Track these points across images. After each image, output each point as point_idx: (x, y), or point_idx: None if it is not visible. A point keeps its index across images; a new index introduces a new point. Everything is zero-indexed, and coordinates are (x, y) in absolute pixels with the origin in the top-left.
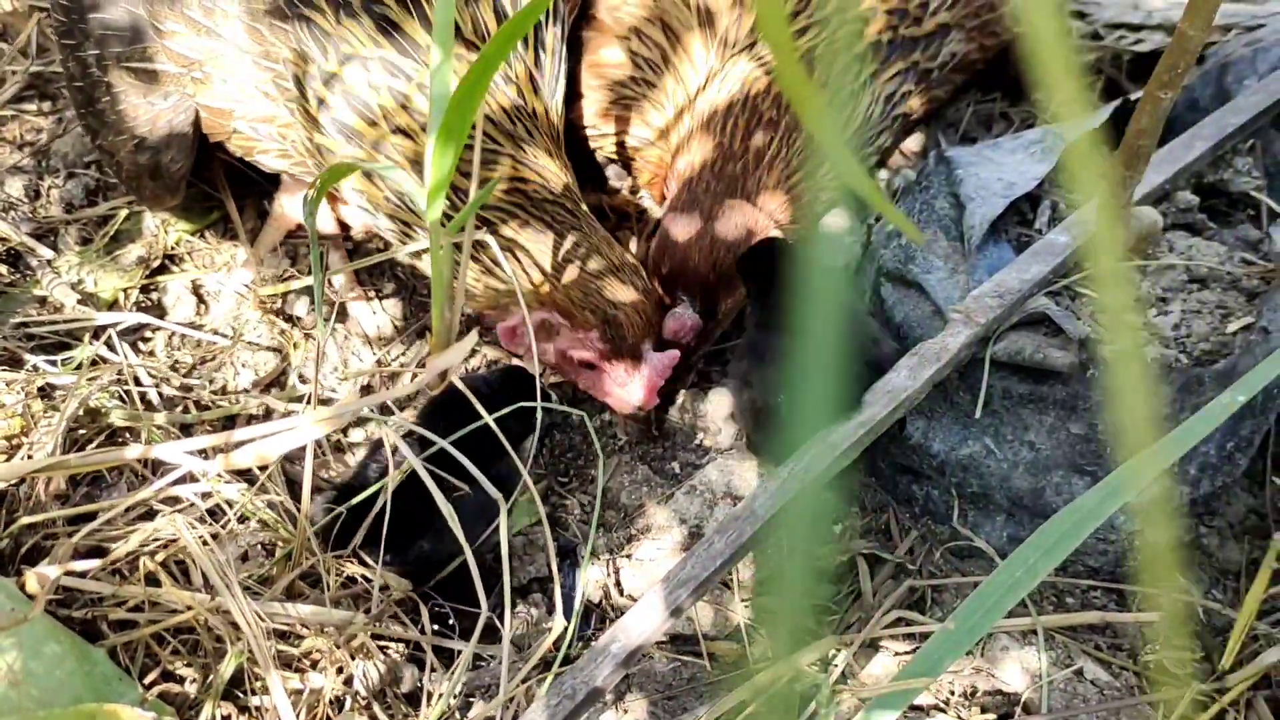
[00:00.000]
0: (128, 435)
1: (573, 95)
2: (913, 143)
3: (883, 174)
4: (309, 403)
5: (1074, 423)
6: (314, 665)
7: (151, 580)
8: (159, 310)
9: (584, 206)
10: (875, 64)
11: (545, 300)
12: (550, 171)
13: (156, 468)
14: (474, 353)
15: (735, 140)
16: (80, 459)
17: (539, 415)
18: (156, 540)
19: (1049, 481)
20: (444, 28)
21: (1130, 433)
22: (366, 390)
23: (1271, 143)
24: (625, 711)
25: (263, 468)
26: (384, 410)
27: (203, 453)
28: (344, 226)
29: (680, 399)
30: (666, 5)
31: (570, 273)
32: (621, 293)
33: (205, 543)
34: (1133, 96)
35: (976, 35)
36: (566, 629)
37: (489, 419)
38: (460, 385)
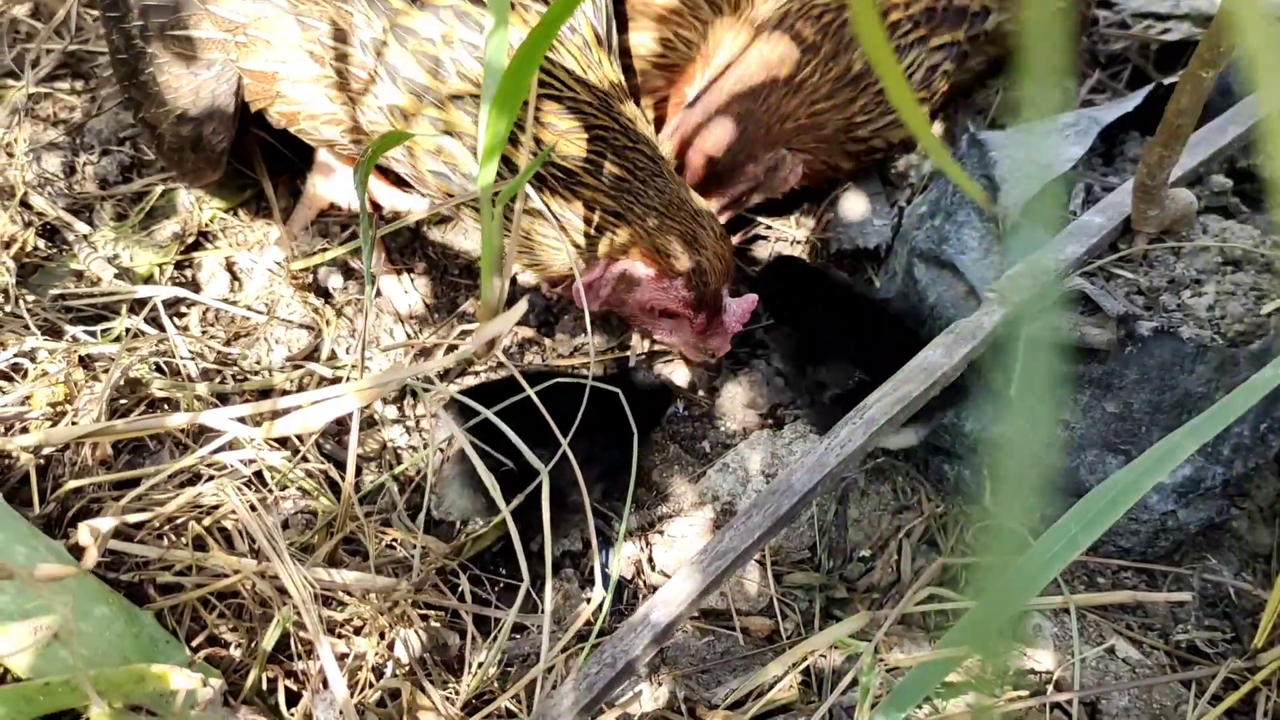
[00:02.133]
0: (166, 405)
1: None
2: (937, 128)
3: (913, 156)
4: (352, 374)
5: (1109, 401)
6: (357, 631)
7: (198, 545)
8: (193, 286)
9: (661, 152)
10: (924, 29)
11: (625, 251)
12: (626, 118)
13: (197, 437)
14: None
15: (772, 53)
16: (127, 424)
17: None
18: (202, 505)
19: (1083, 461)
20: None
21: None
22: (400, 362)
23: None
24: (660, 684)
25: (303, 437)
26: (427, 381)
27: (246, 420)
28: (375, 205)
29: (709, 379)
30: None
31: (654, 221)
32: (705, 239)
33: (253, 508)
34: (1166, 82)
35: (1010, 5)
36: (605, 599)
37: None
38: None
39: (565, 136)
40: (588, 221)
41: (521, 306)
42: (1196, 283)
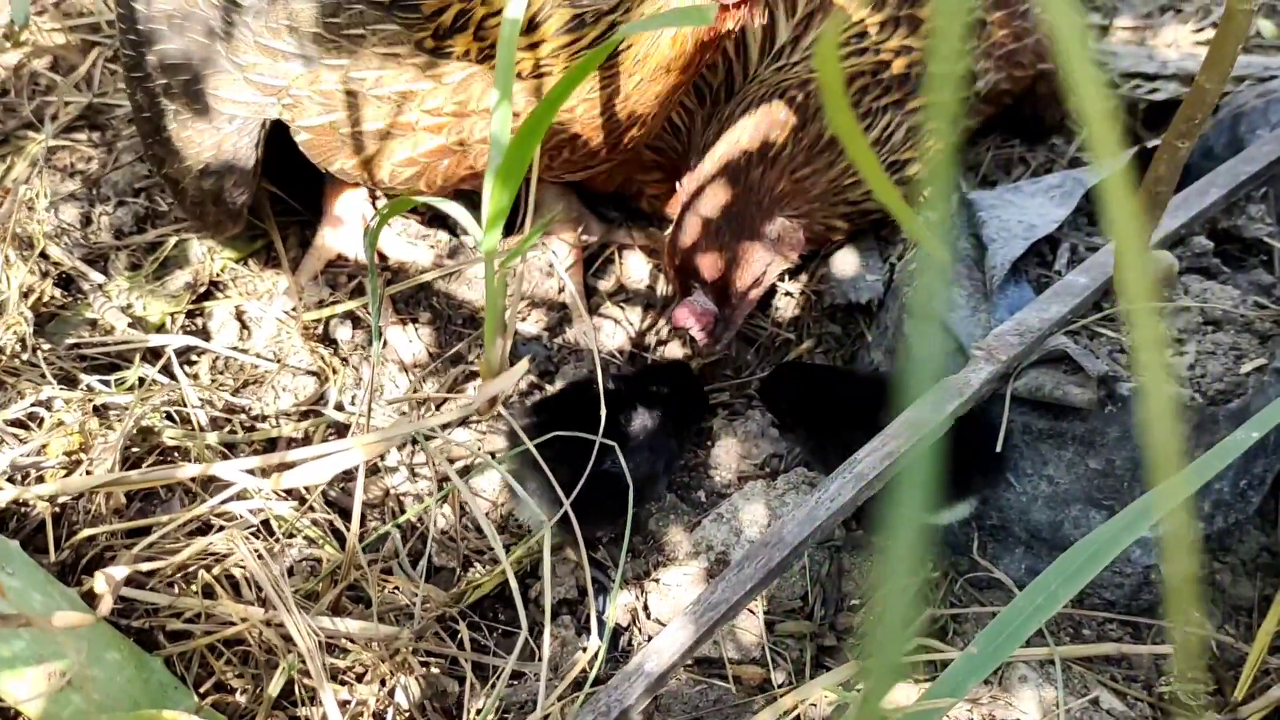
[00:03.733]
0: (177, 454)
1: None
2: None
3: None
4: (357, 428)
5: (1092, 458)
6: (359, 678)
7: (207, 592)
8: (204, 335)
9: None
10: (897, 94)
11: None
12: None
13: (208, 485)
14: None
15: (743, 137)
16: (140, 475)
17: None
18: (212, 554)
19: (1067, 515)
20: (504, 71)
21: (1159, 464)
22: (403, 414)
23: None
24: None
25: (309, 488)
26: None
27: (255, 472)
28: (382, 257)
29: (705, 429)
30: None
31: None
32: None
33: (260, 556)
34: (1149, 145)
35: (1005, 65)
36: (600, 648)
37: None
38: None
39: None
40: None
41: (522, 366)
42: (1178, 342)
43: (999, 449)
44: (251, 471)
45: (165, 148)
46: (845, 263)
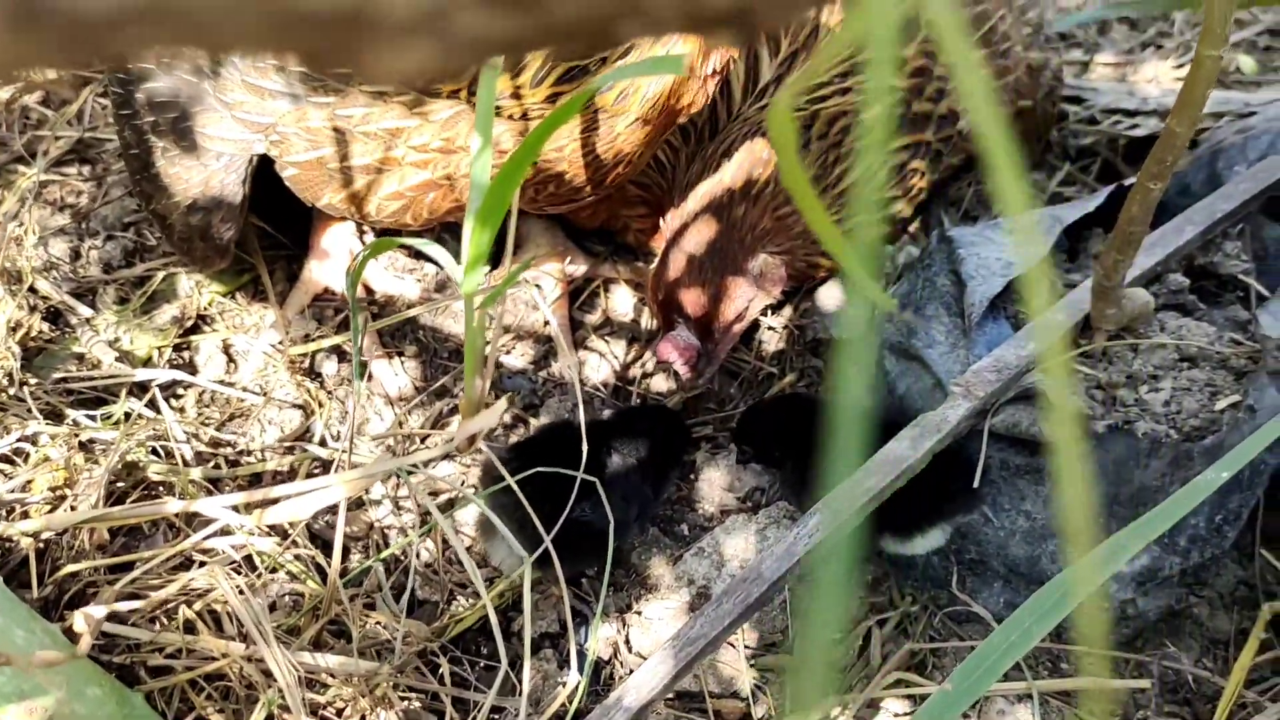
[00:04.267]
0: (162, 489)
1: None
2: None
3: (889, 248)
4: (340, 464)
5: None
6: (339, 714)
7: (188, 628)
8: (191, 368)
9: None
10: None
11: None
12: None
13: (191, 520)
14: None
15: (726, 175)
16: (123, 511)
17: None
18: (194, 589)
19: (1044, 550)
20: (484, 116)
21: (1071, 523)
22: (389, 448)
23: (1260, 228)
24: None
25: (292, 523)
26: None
27: (238, 508)
28: (368, 290)
29: (688, 463)
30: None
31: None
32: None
33: (241, 592)
34: (1126, 182)
35: None
36: (580, 683)
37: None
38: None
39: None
40: None
41: (501, 405)
42: (1154, 378)
43: (975, 484)
44: (235, 508)
45: (153, 184)
46: (828, 297)
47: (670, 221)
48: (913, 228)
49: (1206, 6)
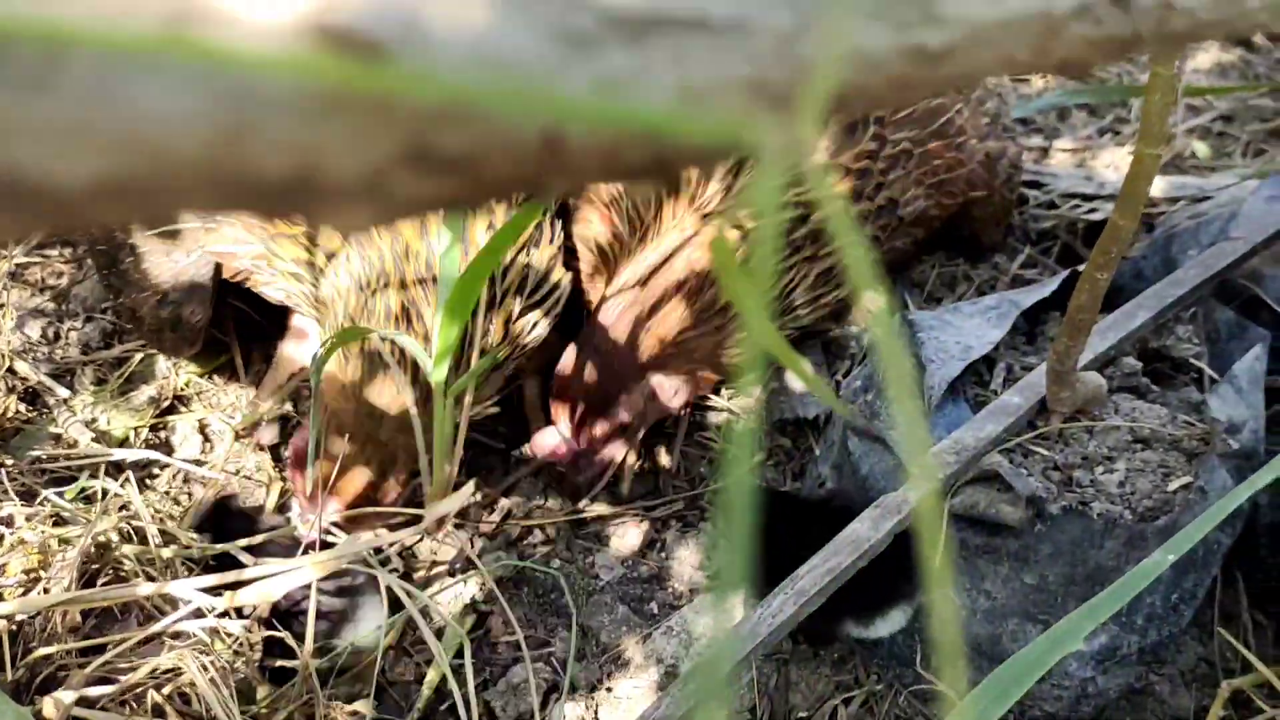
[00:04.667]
0: (134, 570)
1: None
2: (878, 299)
3: (852, 328)
4: (309, 546)
5: (1026, 573)
6: None
7: (156, 711)
8: (166, 448)
9: None
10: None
11: None
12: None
13: (163, 601)
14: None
15: (644, 291)
16: (95, 594)
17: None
18: (163, 672)
19: (1005, 629)
20: (454, 213)
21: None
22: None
23: (1212, 310)
24: None
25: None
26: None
27: (209, 591)
28: None
29: (659, 542)
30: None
31: None
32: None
33: (211, 678)
34: (1081, 268)
35: (935, 193)
36: None
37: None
38: None
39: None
40: None
41: (469, 489)
42: (1108, 459)
43: (936, 565)
44: (206, 590)
45: (122, 279)
46: (793, 379)
47: (594, 313)
48: (875, 307)
49: (1145, 107)
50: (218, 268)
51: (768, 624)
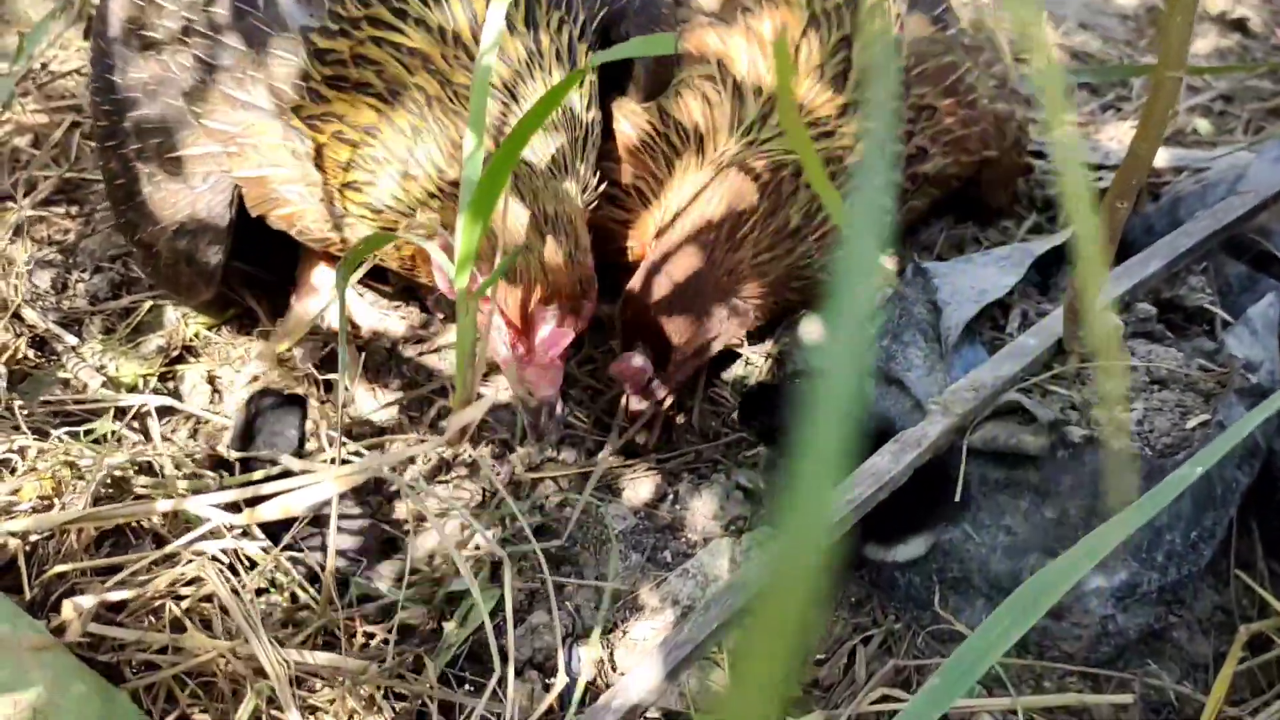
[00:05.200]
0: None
1: None
2: (888, 262)
3: None
4: (330, 463)
5: (1047, 507)
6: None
7: (175, 626)
8: (175, 397)
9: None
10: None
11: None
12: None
13: (179, 533)
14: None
15: (714, 212)
16: (111, 510)
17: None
18: (182, 586)
19: (1025, 564)
20: (477, 114)
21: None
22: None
23: (1223, 265)
24: None
25: (286, 526)
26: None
27: (228, 507)
28: (354, 326)
29: (672, 494)
30: (667, 127)
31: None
32: (548, 249)
33: (233, 590)
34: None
35: (952, 150)
36: (576, 680)
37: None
38: None
39: None
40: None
41: (490, 398)
42: (1126, 399)
43: (957, 497)
44: (225, 507)
45: (139, 212)
46: (808, 330)
47: (652, 244)
48: (887, 268)
49: (1164, 29)
50: (237, 196)
51: (791, 555)
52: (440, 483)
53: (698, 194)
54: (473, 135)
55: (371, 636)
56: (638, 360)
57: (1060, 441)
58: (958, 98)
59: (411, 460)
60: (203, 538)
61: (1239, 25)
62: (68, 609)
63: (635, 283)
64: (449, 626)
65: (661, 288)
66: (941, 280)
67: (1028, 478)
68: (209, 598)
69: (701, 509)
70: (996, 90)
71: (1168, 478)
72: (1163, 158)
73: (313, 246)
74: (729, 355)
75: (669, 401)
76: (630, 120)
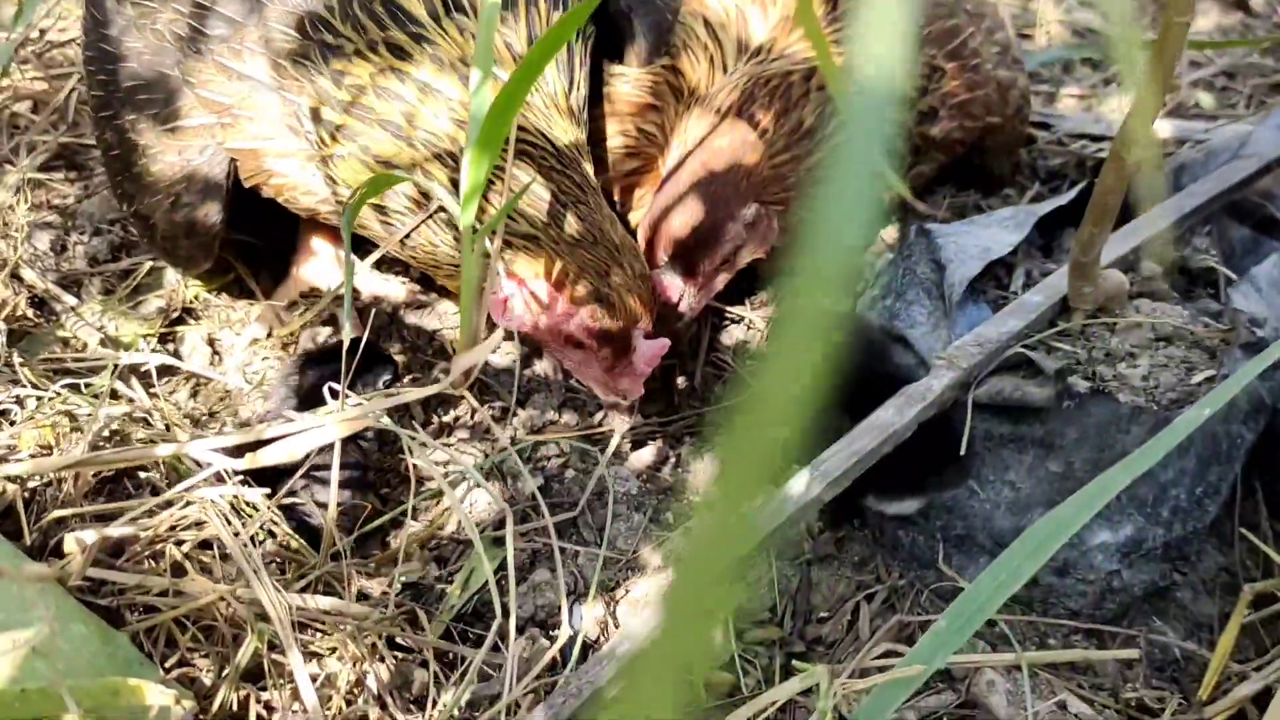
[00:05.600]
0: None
1: None
2: (890, 230)
3: (867, 255)
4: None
5: (1051, 461)
6: (328, 657)
7: (175, 570)
8: (175, 358)
9: (592, 179)
10: None
11: (540, 272)
12: (560, 139)
13: (177, 482)
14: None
15: (726, 128)
16: (112, 454)
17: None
18: (183, 524)
19: (1029, 520)
20: (484, 48)
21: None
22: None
23: (1226, 229)
24: None
25: (288, 474)
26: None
27: (229, 453)
28: (355, 293)
29: (674, 457)
30: (663, 88)
31: (567, 248)
32: (616, 274)
33: (236, 535)
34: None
35: (958, 114)
36: (577, 633)
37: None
38: None
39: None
40: (507, 244)
41: (498, 337)
42: (1131, 356)
43: (962, 452)
44: (226, 451)
45: (135, 183)
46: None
47: (667, 165)
48: (889, 236)
49: None
50: (233, 166)
51: (793, 503)
52: (443, 445)
53: (715, 123)
54: (479, 68)
55: (372, 592)
56: (667, 276)
57: (1066, 393)
58: (962, 61)
59: (414, 417)
60: (204, 483)
61: (1241, 4)
62: (69, 543)
63: (658, 201)
64: (452, 587)
65: (683, 202)
66: (945, 240)
67: (1032, 432)
68: (209, 545)
69: (704, 472)
70: (999, 57)
71: (1176, 420)
72: (1166, 129)
73: (302, 215)
74: (730, 320)
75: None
76: (634, 83)
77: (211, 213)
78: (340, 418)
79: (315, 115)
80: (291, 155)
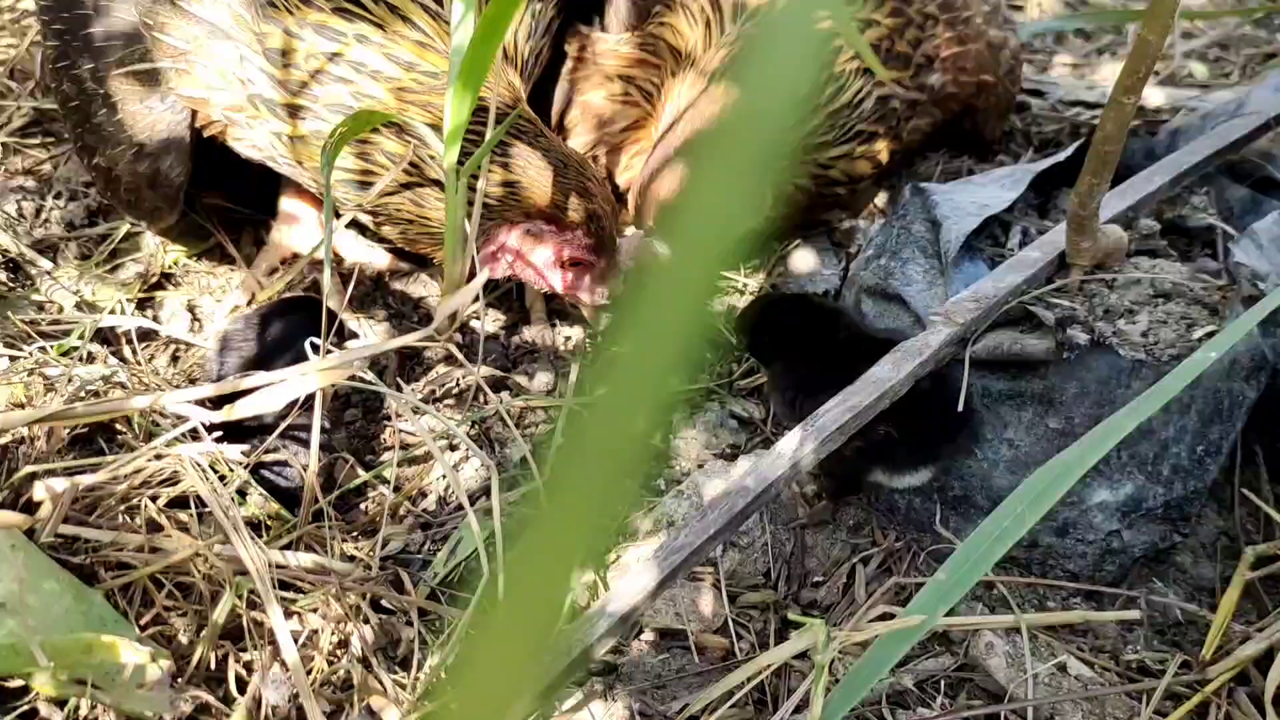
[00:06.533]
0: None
1: (561, 135)
2: (881, 197)
3: (860, 221)
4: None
5: (1051, 417)
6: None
7: (151, 526)
8: (155, 323)
9: (533, 115)
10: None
11: (527, 215)
12: (507, 87)
13: (153, 440)
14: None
15: (721, 89)
16: (86, 408)
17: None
18: (158, 478)
19: (1028, 478)
20: None
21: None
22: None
23: (1224, 189)
24: (615, 700)
25: (267, 432)
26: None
27: (207, 405)
28: (338, 258)
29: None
30: (648, 50)
31: (548, 179)
32: (593, 189)
33: (214, 490)
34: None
35: (951, 69)
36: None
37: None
38: None
39: None
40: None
41: (482, 278)
42: (1130, 312)
43: (960, 409)
44: (203, 404)
45: (96, 135)
46: (802, 260)
47: (659, 129)
48: (882, 203)
49: None
50: (194, 116)
51: (788, 458)
52: (431, 411)
53: (706, 85)
54: (462, 2)
55: (355, 556)
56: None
57: (1065, 345)
58: (954, 13)
59: (398, 386)
60: (180, 440)
61: None
62: (40, 491)
63: (648, 165)
64: (439, 554)
65: (672, 166)
66: (941, 197)
67: (1031, 387)
68: (185, 503)
69: (695, 437)
70: (990, 16)
71: (1187, 359)
72: (1160, 97)
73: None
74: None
75: None
76: (627, 41)
77: (176, 162)
78: (319, 366)
79: (281, 60)
80: (241, 109)
